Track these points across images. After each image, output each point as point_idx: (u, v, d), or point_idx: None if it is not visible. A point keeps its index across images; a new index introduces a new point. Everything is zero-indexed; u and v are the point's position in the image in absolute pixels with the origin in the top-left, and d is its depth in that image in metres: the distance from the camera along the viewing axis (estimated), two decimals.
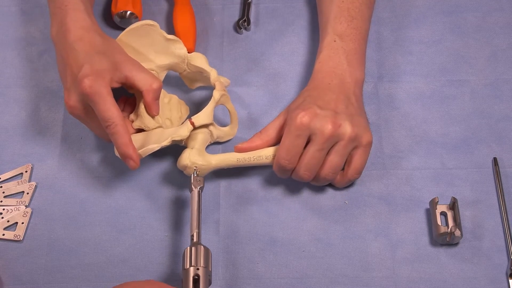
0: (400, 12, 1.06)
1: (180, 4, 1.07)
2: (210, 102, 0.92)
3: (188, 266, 0.80)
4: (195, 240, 0.83)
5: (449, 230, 0.86)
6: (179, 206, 0.92)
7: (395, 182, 0.93)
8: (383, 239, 0.89)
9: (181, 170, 0.90)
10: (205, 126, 0.92)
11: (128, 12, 1.04)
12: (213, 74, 0.95)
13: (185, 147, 0.91)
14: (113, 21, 1.05)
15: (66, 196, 0.94)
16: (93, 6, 0.96)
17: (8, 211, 0.92)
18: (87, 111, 0.88)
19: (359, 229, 0.90)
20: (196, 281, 0.79)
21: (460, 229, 0.86)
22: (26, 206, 0.93)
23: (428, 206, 0.90)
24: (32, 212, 0.92)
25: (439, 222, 0.88)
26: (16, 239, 0.90)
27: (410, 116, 0.97)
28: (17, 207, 0.93)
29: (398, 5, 1.07)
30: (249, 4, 1.08)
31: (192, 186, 0.87)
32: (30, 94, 1.02)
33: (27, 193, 0.93)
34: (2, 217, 0.92)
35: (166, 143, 0.88)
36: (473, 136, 0.96)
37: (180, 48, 0.96)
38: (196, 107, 1.00)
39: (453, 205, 0.89)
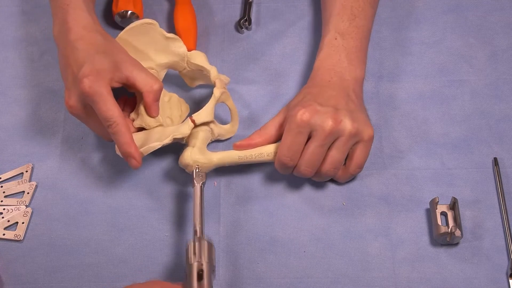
0: (400, 12, 1.06)
1: (181, 4, 1.07)
2: (210, 100, 0.92)
3: (192, 262, 0.80)
4: (198, 234, 0.82)
5: (449, 230, 0.86)
6: (180, 205, 0.92)
7: (395, 182, 0.93)
8: (383, 239, 0.89)
9: (183, 168, 0.90)
10: (206, 123, 0.92)
11: (129, 12, 1.04)
12: (213, 72, 0.95)
13: (186, 145, 0.91)
14: (114, 20, 1.05)
15: (67, 196, 0.94)
16: (94, 5, 0.96)
17: (8, 211, 0.93)
18: (87, 110, 0.88)
19: (359, 229, 0.90)
20: (200, 276, 0.79)
21: (460, 229, 0.86)
22: (27, 206, 0.93)
23: (428, 206, 0.90)
24: (32, 212, 0.93)
25: (439, 222, 0.88)
26: (16, 239, 0.91)
27: (410, 116, 0.97)
28: (18, 207, 0.93)
29: (399, 5, 1.07)
30: (250, 4, 1.08)
31: (194, 182, 0.87)
32: (31, 94, 1.02)
33: (28, 193, 0.94)
34: (3, 217, 0.92)
35: (167, 141, 0.89)
36: (473, 136, 0.95)
37: (179, 47, 0.96)
38: (196, 105, 1.00)
39: (453, 205, 0.88)
